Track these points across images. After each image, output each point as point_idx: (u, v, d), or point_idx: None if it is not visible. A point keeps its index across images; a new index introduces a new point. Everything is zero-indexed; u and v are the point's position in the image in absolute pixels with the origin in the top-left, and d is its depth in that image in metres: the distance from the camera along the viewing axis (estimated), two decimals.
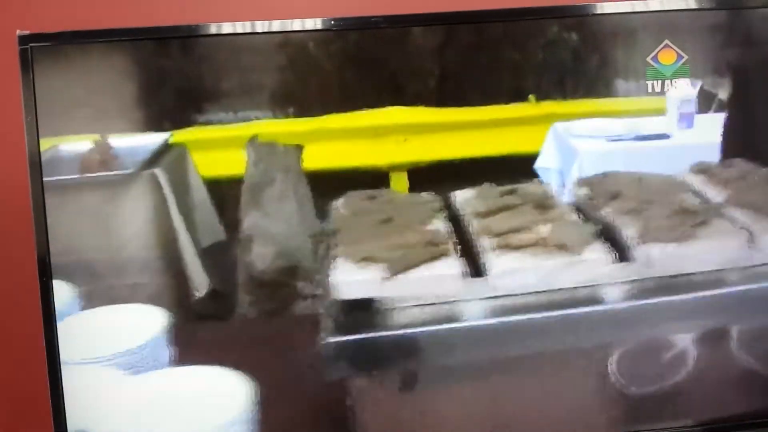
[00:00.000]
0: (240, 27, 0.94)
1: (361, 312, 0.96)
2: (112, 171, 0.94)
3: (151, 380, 0.94)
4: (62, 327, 0.92)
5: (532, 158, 0.98)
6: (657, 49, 0.98)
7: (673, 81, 0.97)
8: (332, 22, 0.94)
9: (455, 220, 0.99)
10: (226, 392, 0.94)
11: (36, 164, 0.91)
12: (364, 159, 0.97)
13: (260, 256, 0.96)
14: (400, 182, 0.98)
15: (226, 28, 0.93)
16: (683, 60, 0.98)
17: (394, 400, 0.98)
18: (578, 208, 1.00)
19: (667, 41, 0.97)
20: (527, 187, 0.99)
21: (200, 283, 0.96)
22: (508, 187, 0.99)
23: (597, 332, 0.98)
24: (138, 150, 0.95)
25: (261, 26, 0.94)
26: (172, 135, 0.94)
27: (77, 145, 0.94)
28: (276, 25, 0.94)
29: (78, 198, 0.94)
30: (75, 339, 0.93)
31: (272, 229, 0.96)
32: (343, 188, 0.96)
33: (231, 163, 0.95)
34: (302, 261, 0.96)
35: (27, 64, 0.90)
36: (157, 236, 0.95)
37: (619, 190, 1.00)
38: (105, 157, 0.94)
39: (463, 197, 1.00)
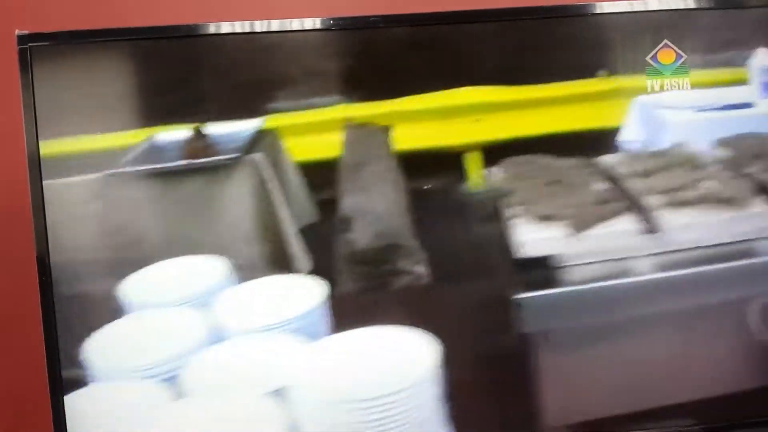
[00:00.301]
0: (239, 26, 0.94)
1: (541, 269, 0.99)
2: (212, 157, 0.97)
3: (337, 342, 0.97)
4: (227, 296, 0.97)
5: (607, 133, 1.00)
6: (656, 48, 0.98)
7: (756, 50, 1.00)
8: (331, 22, 0.94)
9: (614, 180, 1.02)
10: (411, 352, 0.95)
11: (35, 164, 0.91)
12: (437, 140, 0.99)
13: (360, 235, 0.97)
14: (473, 162, 0.99)
15: (226, 27, 0.94)
16: (682, 59, 0.98)
17: (571, 357, 1.00)
18: (725, 167, 1.03)
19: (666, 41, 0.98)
20: (673, 150, 1.02)
21: (303, 263, 0.98)
22: (656, 149, 1.02)
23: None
24: (233, 137, 0.98)
25: (260, 26, 0.94)
26: (265, 121, 0.97)
27: (173, 134, 0.96)
28: (275, 25, 0.94)
29: (181, 184, 0.97)
30: (241, 309, 0.97)
31: (372, 208, 0.98)
32: (418, 169, 0.98)
33: (316, 146, 0.97)
34: (401, 239, 0.98)
35: (26, 64, 0.90)
36: (261, 219, 0.98)
37: (762, 150, 1.03)
38: (203, 144, 0.96)
39: (610, 161, 1.02)
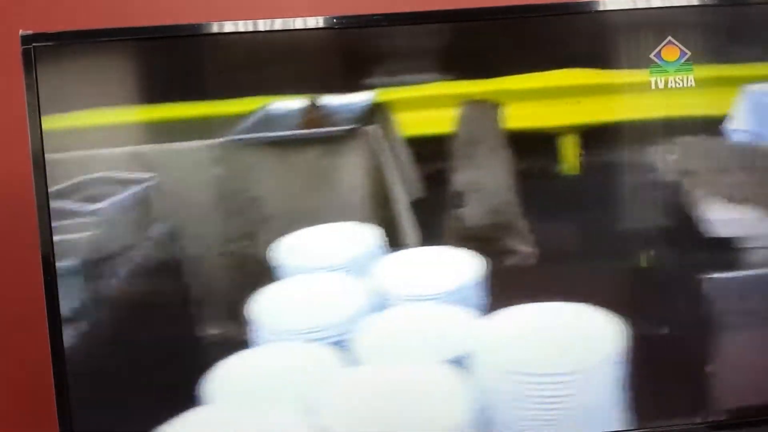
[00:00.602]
0: (242, 26, 0.94)
1: (728, 250, 0.99)
2: (328, 128, 0.99)
3: (514, 314, 0.97)
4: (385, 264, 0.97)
5: (709, 120, 0.99)
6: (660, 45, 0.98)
7: None
8: (334, 20, 0.94)
9: None
10: (594, 331, 0.95)
11: (39, 164, 0.91)
12: (536, 120, 0.99)
13: (473, 211, 0.98)
14: (569, 144, 0.99)
15: (229, 26, 0.94)
16: (686, 56, 0.98)
17: (756, 340, 1.00)
18: None
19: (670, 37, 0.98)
20: None
21: (412, 237, 0.99)
22: None
23: None
24: (347, 109, 0.99)
25: (263, 25, 0.94)
26: (377, 95, 0.97)
27: (286, 104, 0.97)
28: (278, 23, 0.94)
29: (297, 154, 0.99)
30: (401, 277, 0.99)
31: (485, 184, 0.99)
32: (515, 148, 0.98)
33: (426, 121, 0.98)
34: (511, 216, 0.98)
35: (30, 64, 0.91)
36: (374, 190, 1.00)
37: None
38: (318, 114, 0.98)
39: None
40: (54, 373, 0.92)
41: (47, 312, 0.91)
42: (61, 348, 0.92)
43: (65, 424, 0.92)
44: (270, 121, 0.97)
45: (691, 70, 0.98)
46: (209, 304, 0.96)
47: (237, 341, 0.95)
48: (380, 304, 0.97)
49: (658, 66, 0.98)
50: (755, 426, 0.98)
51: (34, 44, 0.90)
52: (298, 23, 0.95)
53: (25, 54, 0.90)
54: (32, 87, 0.91)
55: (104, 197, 0.94)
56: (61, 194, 0.92)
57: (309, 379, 0.92)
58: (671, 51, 0.98)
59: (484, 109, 0.98)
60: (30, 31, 0.91)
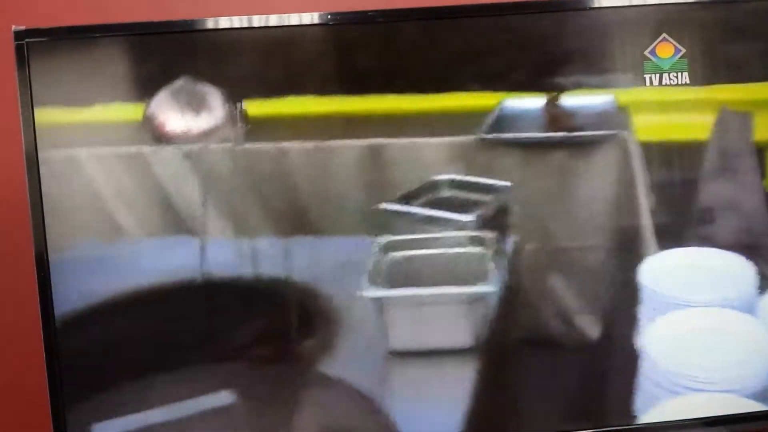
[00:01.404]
0: (237, 22, 0.94)
1: None
2: (572, 129, 0.97)
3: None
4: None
5: None
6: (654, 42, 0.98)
7: None
8: (328, 17, 0.94)
9: None
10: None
11: (33, 160, 0.91)
12: None
13: (722, 230, 0.97)
14: None
15: (224, 22, 0.93)
16: (681, 53, 0.98)
17: None
18: None
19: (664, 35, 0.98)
20: None
21: (652, 249, 0.98)
22: None
23: None
24: (590, 110, 0.97)
25: (258, 20, 0.94)
26: (617, 96, 0.96)
27: (525, 102, 0.96)
28: (273, 20, 0.94)
29: (542, 155, 0.97)
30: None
31: (739, 199, 0.97)
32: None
33: (665, 126, 0.97)
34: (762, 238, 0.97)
35: (23, 59, 0.90)
36: (621, 201, 0.98)
37: None
38: (562, 114, 0.96)
39: None
40: (48, 375, 0.92)
41: (41, 311, 0.91)
42: (55, 348, 0.92)
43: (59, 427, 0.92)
44: (508, 119, 0.96)
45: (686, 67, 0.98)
46: None
47: None
48: None
49: None
50: (750, 422, 0.99)
51: (27, 40, 0.90)
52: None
53: (18, 49, 0.90)
54: (25, 83, 0.90)
55: None
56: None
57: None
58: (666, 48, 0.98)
59: (740, 118, 0.97)
60: (23, 27, 0.90)
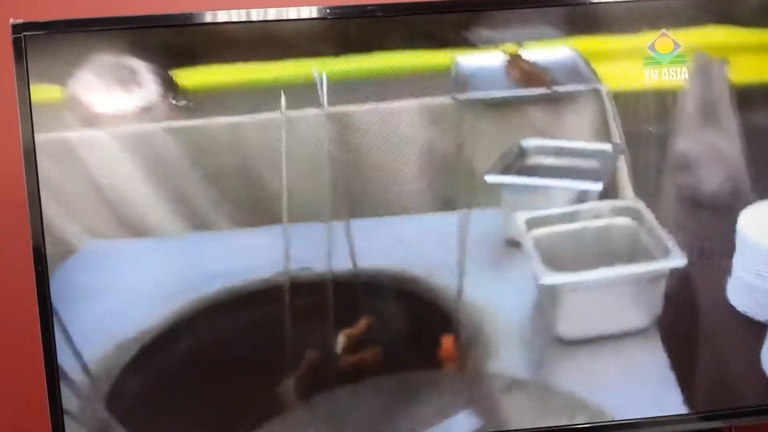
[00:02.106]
0: (236, 15, 0.93)
1: None
2: (546, 84, 0.93)
3: None
4: None
5: None
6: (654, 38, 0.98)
7: None
8: (327, 11, 0.94)
9: None
10: None
11: (30, 153, 0.90)
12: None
13: (706, 178, 0.94)
14: None
15: (222, 16, 0.93)
16: (680, 48, 0.98)
17: None
18: None
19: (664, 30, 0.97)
20: None
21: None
22: None
23: None
24: (554, 63, 0.94)
25: (256, 14, 0.93)
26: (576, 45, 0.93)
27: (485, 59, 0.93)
28: (272, 13, 0.94)
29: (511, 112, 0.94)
30: None
31: (720, 148, 0.95)
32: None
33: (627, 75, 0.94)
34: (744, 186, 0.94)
35: (20, 53, 0.90)
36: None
37: None
38: (528, 68, 0.93)
39: None
40: (47, 377, 0.92)
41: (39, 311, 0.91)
42: (53, 349, 0.91)
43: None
44: (468, 79, 0.92)
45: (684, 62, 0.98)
46: None
47: None
48: None
49: None
50: (746, 416, 0.99)
51: (24, 33, 0.90)
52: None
53: (16, 43, 0.90)
54: (23, 76, 0.90)
55: None
56: None
57: None
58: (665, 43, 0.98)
59: (712, 64, 0.94)
60: (20, 20, 0.90)
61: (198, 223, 0.92)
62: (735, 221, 0.95)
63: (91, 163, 0.92)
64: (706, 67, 0.95)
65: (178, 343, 0.91)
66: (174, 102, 0.91)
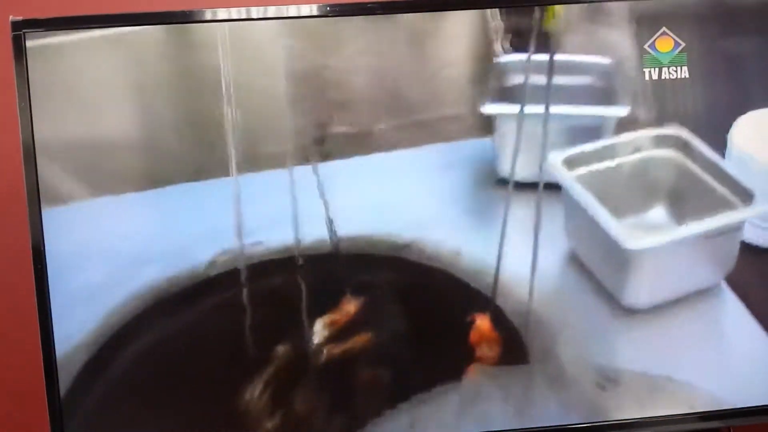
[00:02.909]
0: (236, 13, 0.93)
1: None
2: None
3: None
4: None
5: None
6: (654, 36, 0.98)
7: None
8: (327, 8, 0.94)
9: None
10: None
11: (30, 151, 0.90)
12: None
13: None
14: None
15: (222, 14, 0.93)
16: (680, 47, 0.98)
17: None
18: None
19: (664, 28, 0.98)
20: None
21: None
22: None
23: None
24: None
25: (256, 12, 0.93)
26: None
27: None
28: (271, 11, 0.94)
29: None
30: None
31: None
32: None
33: None
34: None
35: (20, 50, 0.89)
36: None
37: None
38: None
39: None
40: (46, 379, 0.91)
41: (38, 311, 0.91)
42: (52, 348, 0.91)
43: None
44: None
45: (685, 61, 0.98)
46: None
47: None
48: None
49: None
50: (746, 416, 0.99)
51: (24, 30, 0.90)
52: None
53: (15, 40, 0.90)
54: (23, 75, 0.90)
55: None
56: None
57: None
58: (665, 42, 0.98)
59: None
60: (20, 17, 0.90)
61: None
62: None
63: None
64: None
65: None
66: None
